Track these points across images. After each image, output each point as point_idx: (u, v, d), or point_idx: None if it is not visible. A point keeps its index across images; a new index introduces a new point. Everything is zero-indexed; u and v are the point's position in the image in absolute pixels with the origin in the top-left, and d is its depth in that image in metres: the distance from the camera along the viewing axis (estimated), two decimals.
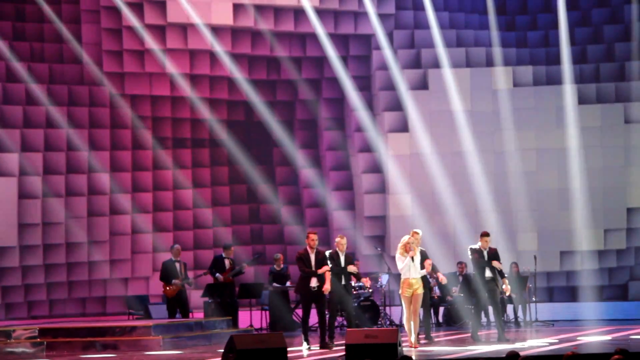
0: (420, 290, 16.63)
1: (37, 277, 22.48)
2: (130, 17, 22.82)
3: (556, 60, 24.11)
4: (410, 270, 16.47)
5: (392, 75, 24.14)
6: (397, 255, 16.64)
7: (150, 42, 22.97)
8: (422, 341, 17.09)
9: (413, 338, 16.43)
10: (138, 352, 16.58)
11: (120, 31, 23.15)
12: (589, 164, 23.60)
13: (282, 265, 22.03)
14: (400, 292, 16.73)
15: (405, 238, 16.65)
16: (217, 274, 20.80)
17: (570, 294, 23.89)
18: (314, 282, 16.52)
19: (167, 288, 20.28)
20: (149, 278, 23.45)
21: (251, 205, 24.80)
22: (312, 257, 16.56)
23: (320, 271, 16.51)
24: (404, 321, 16.66)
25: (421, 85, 24.21)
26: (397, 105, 24.24)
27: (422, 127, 23.88)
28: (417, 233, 17.22)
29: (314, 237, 16.68)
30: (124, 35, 23.08)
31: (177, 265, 20.46)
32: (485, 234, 17.71)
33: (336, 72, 24.15)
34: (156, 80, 23.61)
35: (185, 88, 23.60)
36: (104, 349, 16.96)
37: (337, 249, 16.88)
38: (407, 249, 16.46)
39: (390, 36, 24.31)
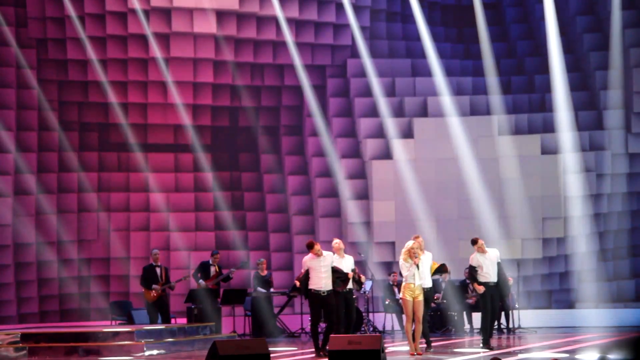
0: (421, 298, 16.06)
1: (29, 274, 22.73)
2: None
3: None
4: (415, 277, 15.93)
5: (368, 82, 24.52)
6: (401, 262, 16.04)
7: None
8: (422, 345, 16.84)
9: (413, 346, 16.00)
10: (121, 358, 16.57)
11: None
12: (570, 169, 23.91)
13: (266, 271, 22.03)
14: (401, 296, 16.40)
15: (410, 243, 16.10)
16: (201, 281, 20.78)
17: (548, 299, 24.10)
18: (323, 287, 16.17)
19: (148, 293, 20.30)
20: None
21: (238, 212, 24.72)
22: (322, 262, 16.19)
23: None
24: (405, 326, 16.32)
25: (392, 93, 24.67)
26: (374, 112, 24.51)
27: (400, 134, 24.11)
28: (418, 237, 16.99)
29: (318, 247, 16.32)
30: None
31: (158, 270, 20.48)
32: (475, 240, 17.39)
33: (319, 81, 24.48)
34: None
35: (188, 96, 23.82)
36: (87, 355, 16.93)
37: (335, 253, 16.58)
38: (411, 254, 15.91)
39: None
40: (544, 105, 24.65)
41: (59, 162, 23.44)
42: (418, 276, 15.96)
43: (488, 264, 17.16)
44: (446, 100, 24.17)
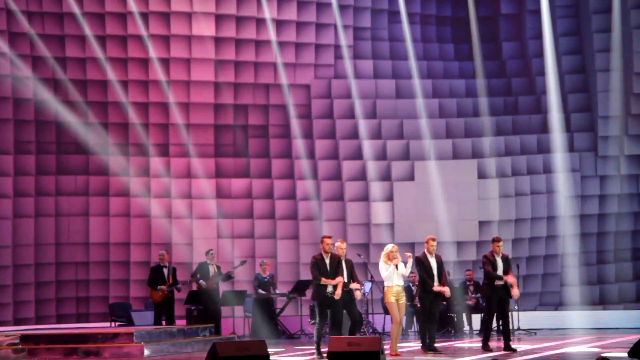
0: (403, 300, 16.49)
1: (27, 276, 22.69)
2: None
3: None
4: (394, 278, 16.36)
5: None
6: (381, 263, 16.46)
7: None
8: (429, 353, 16.88)
9: (396, 346, 16.34)
10: (120, 359, 16.58)
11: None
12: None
13: (267, 273, 22.03)
14: (384, 300, 16.65)
15: (389, 246, 16.48)
16: (201, 281, 20.78)
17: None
18: (330, 288, 16.10)
19: (154, 293, 20.32)
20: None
21: (247, 220, 24.53)
22: (327, 261, 16.16)
23: (333, 282, 16.19)
24: (392, 328, 16.52)
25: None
26: (372, 113, 24.67)
27: (396, 135, 24.22)
28: (434, 239, 16.99)
29: (328, 241, 16.19)
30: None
31: (165, 270, 20.50)
32: (496, 239, 17.20)
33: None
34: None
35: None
36: (86, 356, 16.93)
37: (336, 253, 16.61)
38: (390, 257, 16.32)
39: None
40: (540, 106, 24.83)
41: (56, 164, 23.33)
42: (397, 278, 16.32)
43: (499, 266, 17.05)
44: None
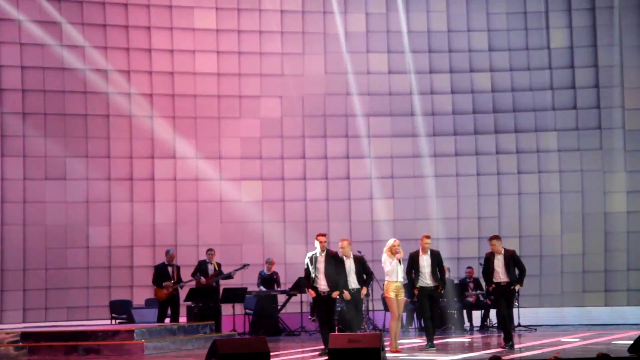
0: (402, 296, 16.53)
1: (16, 281, 22.45)
2: None
3: None
4: (397, 273, 16.34)
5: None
6: (384, 257, 16.46)
7: None
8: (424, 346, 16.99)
9: (395, 343, 16.38)
10: (121, 357, 16.59)
11: None
12: (565, 167, 23.94)
13: (272, 270, 22.03)
14: (384, 295, 16.64)
15: (391, 241, 16.50)
16: (202, 278, 20.82)
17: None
18: (322, 286, 16.27)
19: (159, 291, 20.37)
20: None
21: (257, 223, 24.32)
22: (321, 258, 16.28)
23: (310, 292, 16.35)
24: (390, 324, 16.57)
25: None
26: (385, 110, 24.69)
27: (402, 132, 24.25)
28: (428, 237, 17.06)
29: (321, 239, 16.36)
30: None
31: (170, 269, 20.56)
32: (493, 238, 17.25)
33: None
34: None
35: None
36: (87, 353, 16.95)
37: (340, 252, 16.62)
38: (393, 251, 16.35)
39: None
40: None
41: (45, 168, 23.07)
42: (400, 273, 16.36)
43: (498, 265, 17.07)
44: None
